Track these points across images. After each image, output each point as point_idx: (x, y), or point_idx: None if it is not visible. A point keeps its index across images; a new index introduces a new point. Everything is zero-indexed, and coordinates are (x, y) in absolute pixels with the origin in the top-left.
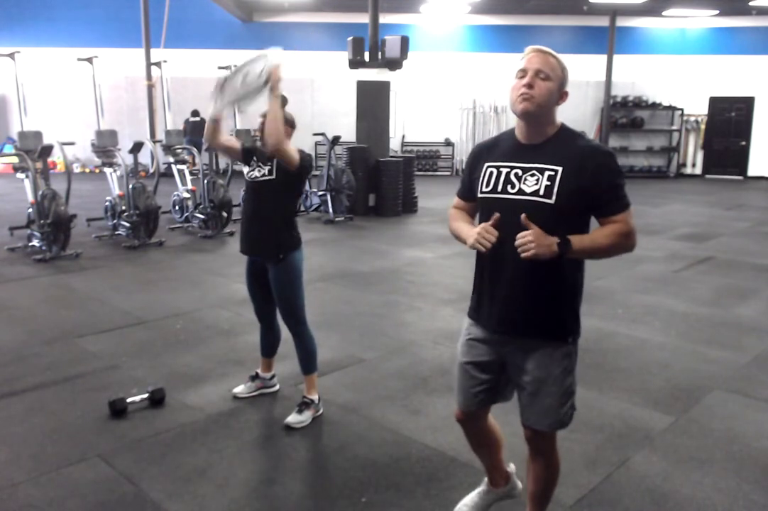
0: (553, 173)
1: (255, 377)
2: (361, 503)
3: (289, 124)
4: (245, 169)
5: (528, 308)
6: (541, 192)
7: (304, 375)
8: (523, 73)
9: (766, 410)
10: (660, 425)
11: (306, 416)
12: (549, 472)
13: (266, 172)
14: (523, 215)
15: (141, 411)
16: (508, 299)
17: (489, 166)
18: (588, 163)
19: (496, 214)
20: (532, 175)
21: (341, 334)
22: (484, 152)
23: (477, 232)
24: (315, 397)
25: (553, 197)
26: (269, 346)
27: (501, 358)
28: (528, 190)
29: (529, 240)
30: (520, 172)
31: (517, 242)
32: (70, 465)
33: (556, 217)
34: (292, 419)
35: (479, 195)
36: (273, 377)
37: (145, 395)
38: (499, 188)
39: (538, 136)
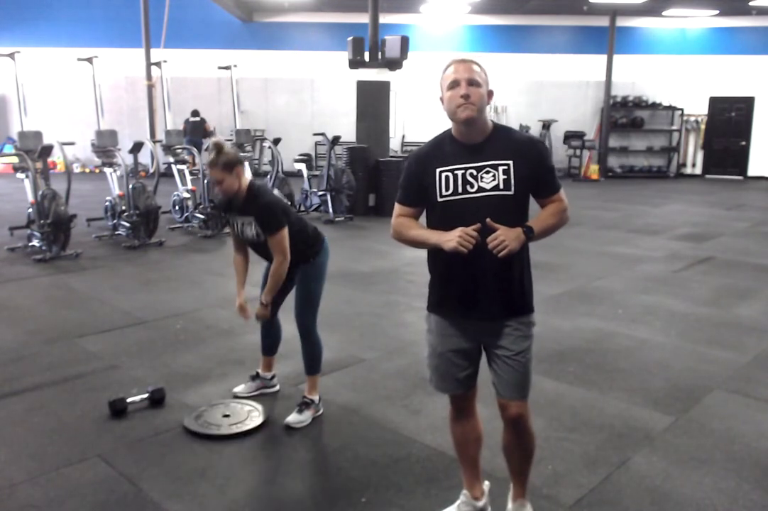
0: (506, 167)
1: (256, 377)
2: (361, 503)
3: (239, 161)
4: (235, 227)
5: (505, 292)
6: (501, 186)
7: (306, 376)
8: (455, 84)
9: (766, 410)
10: (660, 425)
11: (306, 416)
12: (532, 446)
13: (255, 234)
14: (488, 219)
15: (141, 411)
16: (486, 289)
17: (442, 172)
18: (530, 154)
19: (478, 224)
20: (487, 172)
21: (341, 334)
22: (431, 159)
23: (458, 235)
24: (315, 397)
25: (512, 188)
26: (270, 344)
27: (478, 342)
28: (488, 186)
29: (502, 239)
30: (474, 171)
31: (490, 246)
32: (70, 465)
33: (515, 206)
34: (292, 418)
35: (439, 199)
36: (273, 377)
37: (145, 395)
38: (460, 190)
39: (479, 135)
